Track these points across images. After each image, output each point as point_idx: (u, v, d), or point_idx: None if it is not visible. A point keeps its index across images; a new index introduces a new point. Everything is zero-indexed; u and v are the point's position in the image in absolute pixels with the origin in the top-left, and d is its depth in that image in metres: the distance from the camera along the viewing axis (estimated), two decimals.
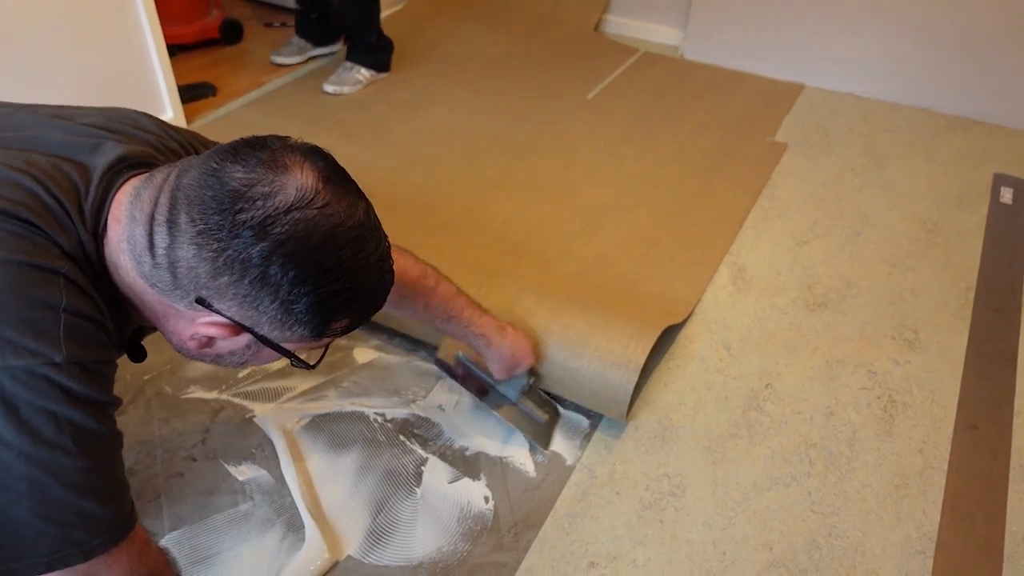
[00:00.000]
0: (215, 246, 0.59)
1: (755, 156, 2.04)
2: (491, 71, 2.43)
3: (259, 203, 0.59)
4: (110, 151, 0.70)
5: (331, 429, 1.24)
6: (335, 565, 1.04)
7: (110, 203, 0.66)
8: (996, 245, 1.75)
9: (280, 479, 1.15)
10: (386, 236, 0.70)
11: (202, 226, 0.59)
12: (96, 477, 0.63)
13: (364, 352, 1.38)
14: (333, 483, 1.15)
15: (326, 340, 0.69)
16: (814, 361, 1.42)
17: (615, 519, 1.13)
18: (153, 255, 0.62)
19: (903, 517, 1.15)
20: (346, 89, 2.24)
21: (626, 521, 1.13)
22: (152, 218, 0.62)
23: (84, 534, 0.63)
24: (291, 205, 0.59)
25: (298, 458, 1.18)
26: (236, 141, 0.65)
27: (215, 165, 0.61)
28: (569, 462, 1.21)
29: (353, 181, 0.67)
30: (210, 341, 0.68)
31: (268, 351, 0.68)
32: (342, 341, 1.39)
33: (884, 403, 1.34)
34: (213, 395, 1.28)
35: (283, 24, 2.64)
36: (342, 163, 0.68)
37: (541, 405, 1.28)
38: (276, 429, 1.22)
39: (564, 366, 1.21)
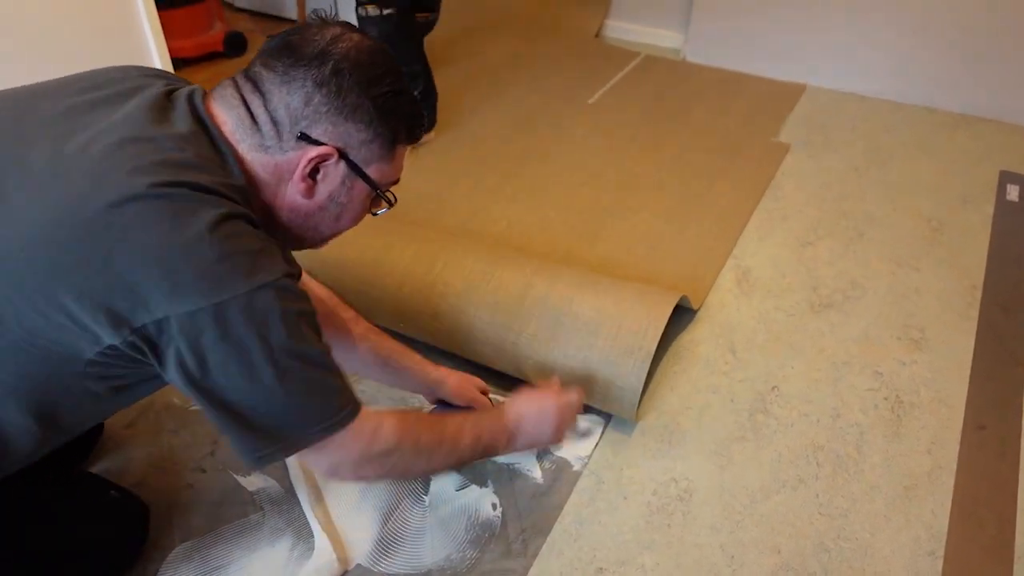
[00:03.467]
0: (298, 80, 0.74)
1: (758, 157, 2.04)
2: (493, 76, 2.44)
3: (315, 40, 0.75)
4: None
5: None
6: (345, 574, 1.05)
7: (209, 117, 0.76)
8: (1003, 243, 1.74)
9: (289, 489, 1.16)
10: None
11: (282, 72, 0.75)
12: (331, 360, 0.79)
13: None
14: (341, 492, 1.16)
15: (398, 154, 0.82)
16: (820, 363, 1.42)
17: (623, 524, 1.13)
18: (256, 122, 0.75)
19: (912, 518, 1.15)
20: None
21: (634, 526, 1.13)
22: (242, 98, 0.76)
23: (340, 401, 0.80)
24: (337, 36, 0.76)
25: (307, 468, 1.19)
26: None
27: (271, 44, 0.77)
28: (576, 467, 1.21)
29: None
30: (314, 184, 0.78)
31: (359, 187, 0.81)
32: None
33: (891, 404, 1.34)
34: None
35: None
36: None
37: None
38: None
39: (576, 356, 1.22)
